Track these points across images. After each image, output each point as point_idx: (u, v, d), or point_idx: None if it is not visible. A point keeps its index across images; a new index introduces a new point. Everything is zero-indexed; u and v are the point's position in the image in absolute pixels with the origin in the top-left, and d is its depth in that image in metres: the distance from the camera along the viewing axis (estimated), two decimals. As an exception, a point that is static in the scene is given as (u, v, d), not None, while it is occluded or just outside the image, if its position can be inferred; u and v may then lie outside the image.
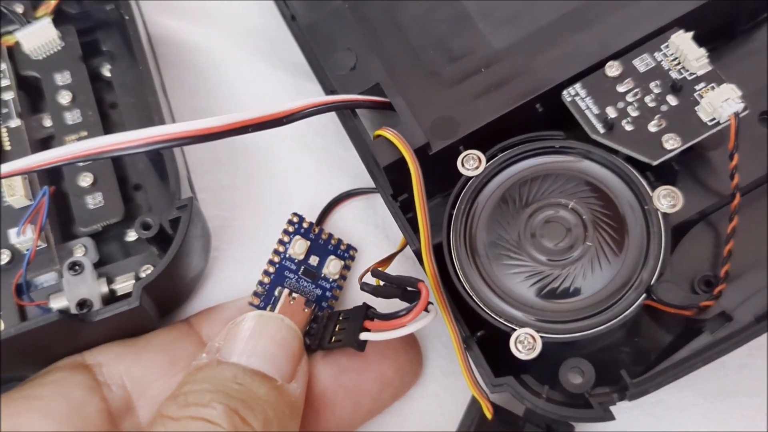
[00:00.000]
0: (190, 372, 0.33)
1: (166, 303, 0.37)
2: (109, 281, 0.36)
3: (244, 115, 0.32)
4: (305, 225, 0.38)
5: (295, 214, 0.38)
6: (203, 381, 0.32)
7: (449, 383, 0.38)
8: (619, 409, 0.31)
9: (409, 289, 0.33)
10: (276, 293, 0.37)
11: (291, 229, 0.38)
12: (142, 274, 0.37)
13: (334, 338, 0.35)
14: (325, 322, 0.36)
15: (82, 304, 0.34)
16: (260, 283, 0.37)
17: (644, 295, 0.31)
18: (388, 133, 0.34)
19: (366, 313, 0.34)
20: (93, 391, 0.34)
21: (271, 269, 0.37)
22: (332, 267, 0.38)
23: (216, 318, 0.37)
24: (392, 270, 0.35)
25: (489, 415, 0.34)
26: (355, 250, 0.40)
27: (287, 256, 0.38)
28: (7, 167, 0.31)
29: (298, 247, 0.38)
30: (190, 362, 0.34)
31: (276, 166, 0.43)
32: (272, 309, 0.36)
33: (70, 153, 0.31)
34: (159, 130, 0.31)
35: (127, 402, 0.34)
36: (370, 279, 0.34)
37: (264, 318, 0.34)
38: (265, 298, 0.37)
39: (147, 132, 0.31)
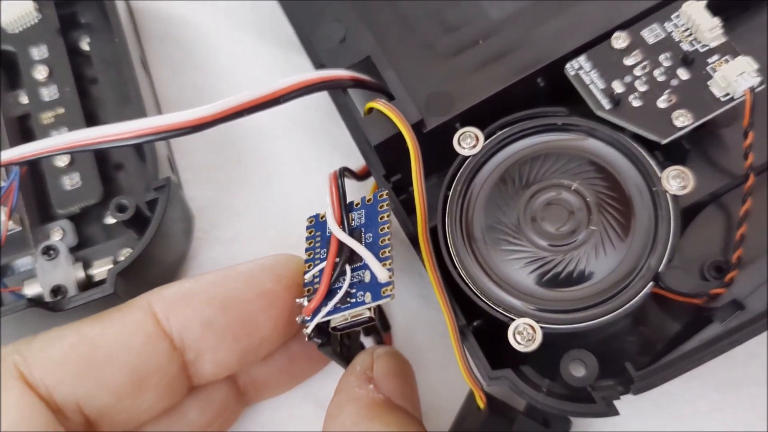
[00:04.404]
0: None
1: (145, 287, 0.35)
2: (87, 266, 0.35)
3: (238, 100, 0.30)
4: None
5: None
6: None
7: (448, 376, 0.36)
8: (622, 400, 0.30)
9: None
10: None
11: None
12: (121, 258, 0.35)
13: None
14: None
15: (56, 290, 0.33)
16: None
17: (652, 283, 0.29)
18: (381, 105, 0.32)
19: None
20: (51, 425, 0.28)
21: None
22: None
23: (187, 305, 0.30)
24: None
25: (481, 405, 0.32)
26: None
27: None
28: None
29: None
30: (162, 377, 0.30)
31: (263, 143, 0.42)
32: None
33: (54, 146, 0.30)
34: (148, 123, 0.29)
35: (90, 425, 0.30)
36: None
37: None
38: None
39: (135, 125, 0.29)
